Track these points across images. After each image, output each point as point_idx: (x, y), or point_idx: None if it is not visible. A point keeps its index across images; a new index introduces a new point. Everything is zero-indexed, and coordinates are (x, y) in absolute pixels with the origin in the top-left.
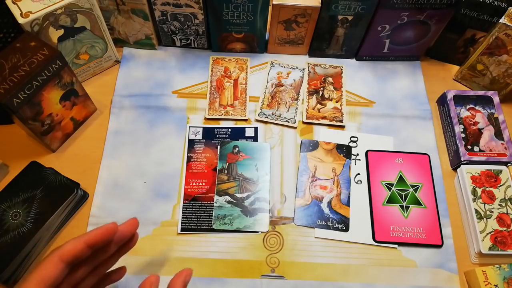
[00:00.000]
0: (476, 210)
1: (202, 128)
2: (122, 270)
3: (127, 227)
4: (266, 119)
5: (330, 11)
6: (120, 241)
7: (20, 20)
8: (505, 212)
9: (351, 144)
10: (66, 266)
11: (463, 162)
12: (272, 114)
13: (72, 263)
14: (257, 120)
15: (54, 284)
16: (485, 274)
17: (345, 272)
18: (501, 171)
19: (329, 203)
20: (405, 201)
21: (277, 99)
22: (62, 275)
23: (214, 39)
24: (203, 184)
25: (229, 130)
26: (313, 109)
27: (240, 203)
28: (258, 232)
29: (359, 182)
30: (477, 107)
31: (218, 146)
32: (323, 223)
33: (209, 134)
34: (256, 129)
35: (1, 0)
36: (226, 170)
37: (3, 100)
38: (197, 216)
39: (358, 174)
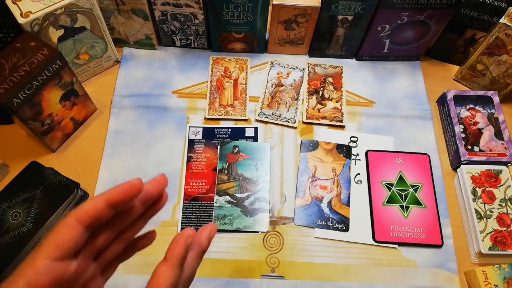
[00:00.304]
0: (476, 210)
1: (202, 128)
2: (151, 235)
3: (154, 184)
4: (266, 119)
5: (330, 11)
6: (146, 200)
7: (20, 20)
8: (505, 212)
9: (351, 144)
10: (85, 229)
11: (463, 162)
12: (272, 114)
13: (92, 225)
14: (257, 120)
15: (72, 250)
16: (485, 274)
17: (345, 272)
18: (501, 171)
19: (329, 203)
20: (405, 201)
21: (277, 99)
22: (81, 240)
23: (214, 39)
24: (203, 184)
25: (229, 130)
26: (313, 109)
27: (240, 203)
28: (258, 232)
29: (359, 182)
30: (477, 107)
31: (218, 146)
32: (323, 223)
33: (209, 134)
34: (256, 129)
35: (1, 0)
36: (226, 170)
37: (3, 100)
38: (197, 216)
39: (358, 174)
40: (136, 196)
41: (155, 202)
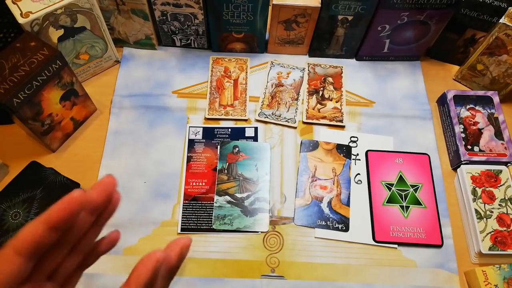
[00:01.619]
0: (476, 210)
1: (202, 128)
2: (113, 236)
3: (99, 189)
4: (266, 119)
5: (330, 11)
6: (94, 209)
7: (20, 20)
8: (505, 212)
9: (351, 144)
10: (27, 259)
11: (463, 162)
12: (272, 114)
13: (35, 253)
14: (257, 120)
15: (14, 284)
16: (485, 274)
17: (345, 272)
18: (501, 171)
19: (329, 203)
20: (405, 201)
21: (277, 99)
22: (24, 271)
23: (214, 39)
24: (203, 184)
25: (229, 130)
26: (313, 109)
27: (240, 203)
28: (258, 232)
29: (359, 182)
30: (477, 107)
31: (218, 146)
32: (323, 223)
33: (209, 134)
34: (256, 129)
35: (1, 0)
36: (226, 170)
37: (3, 100)
38: (197, 216)
39: (358, 174)
40: (79, 211)
41: (105, 207)
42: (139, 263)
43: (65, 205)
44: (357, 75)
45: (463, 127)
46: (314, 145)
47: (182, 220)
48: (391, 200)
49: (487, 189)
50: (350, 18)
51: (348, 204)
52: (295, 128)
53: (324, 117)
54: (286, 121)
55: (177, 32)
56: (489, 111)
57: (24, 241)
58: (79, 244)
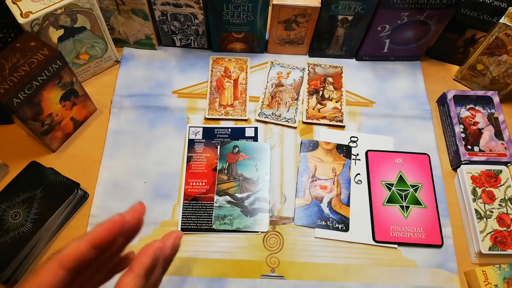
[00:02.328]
0: (476, 210)
1: (202, 128)
2: (130, 256)
3: (133, 214)
4: (266, 119)
5: (330, 11)
6: (127, 232)
7: (20, 20)
8: (505, 212)
9: (351, 144)
10: (68, 272)
11: (463, 162)
12: (272, 114)
13: (76, 268)
14: (257, 120)
15: None
16: (485, 274)
17: (345, 272)
18: (501, 171)
19: (329, 203)
20: (405, 201)
21: (277, 99)
22: (64, 283)
23: (214, 39)
24: (203, 184)
25: (229, 130)
26: (313, 109)
27: (240, 203)
28: (258, 232)
29: (359, 182)
30: (477, 107)
31: (218, 146)
32: (323, 223)
33: (209, 134)
34: (256, 129)
35: (1, 0)
36: (226, 170)
37: (3, 100)
38: (197, 216)
39: (358, 174)
40: (119, 233)
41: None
42: (141, 252)
43: (108, 226)
44: (357, 75)
45: (463, 127)
46: (314, 145)
47: (182, 220)
48: (391, 200)
49: (487, 189)
50: (350, 18)
51: (348, 204)
52: (295, 128)
53: (324, 117)
54: (286, 121)
55: (177, 32)
56: (489, 111)
57: (69, 256)
58: (106, 262)
